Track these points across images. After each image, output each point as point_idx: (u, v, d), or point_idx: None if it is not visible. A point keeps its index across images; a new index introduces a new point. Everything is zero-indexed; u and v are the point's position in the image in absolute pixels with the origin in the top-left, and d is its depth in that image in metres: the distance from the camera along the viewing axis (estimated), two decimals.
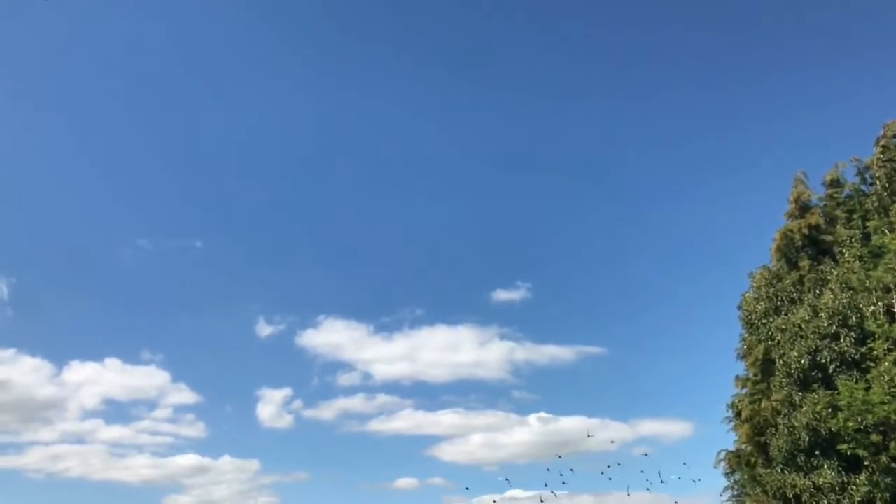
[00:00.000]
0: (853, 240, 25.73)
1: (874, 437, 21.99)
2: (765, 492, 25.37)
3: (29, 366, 51.94)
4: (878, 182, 26.17)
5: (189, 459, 50.66)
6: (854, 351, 23.63)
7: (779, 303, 26.90)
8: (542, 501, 28.09)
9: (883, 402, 21.30)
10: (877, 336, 22.81)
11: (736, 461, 27.98)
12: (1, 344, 52.18)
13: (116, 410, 56.21)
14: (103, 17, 61.95)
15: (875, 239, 24.71)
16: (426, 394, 60.58)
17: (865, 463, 22.39)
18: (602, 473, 28.91)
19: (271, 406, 53.53)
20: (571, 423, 51.33)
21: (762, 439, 25.99)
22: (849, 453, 22.53)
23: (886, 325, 22.67)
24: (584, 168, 66.72)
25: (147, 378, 52.98)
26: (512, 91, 69.78)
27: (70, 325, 61.31)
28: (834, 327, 24.08)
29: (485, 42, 67.36)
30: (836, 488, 22.84)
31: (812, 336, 24.41)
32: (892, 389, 21.43)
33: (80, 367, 53.23)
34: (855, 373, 23.28)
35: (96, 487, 51.28)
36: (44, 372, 51.97)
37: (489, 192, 67.07)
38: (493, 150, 69.59)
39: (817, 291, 25.65)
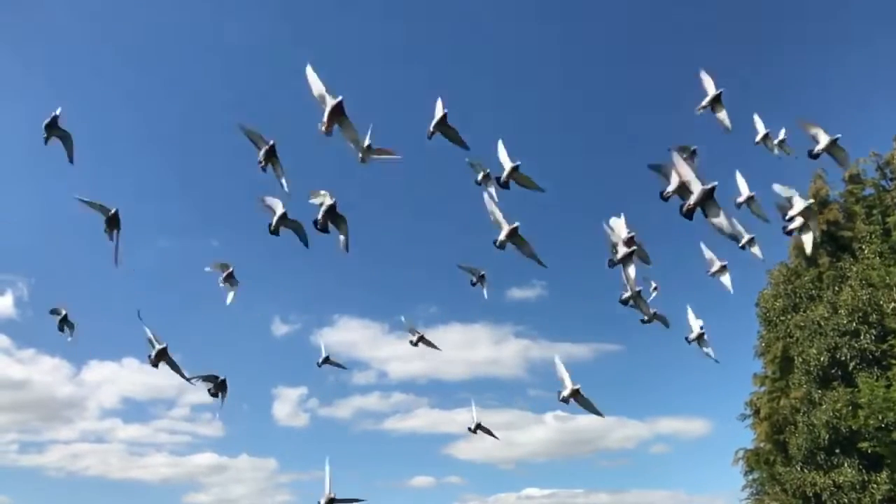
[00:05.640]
0: (873, 235, 25.46)
1: (895, 435, 21.79)
2: (784, 490, 25.21)
3: (49, 365, 52.46)
4: None
5: (207, 458, 50.96)
6: (874, 348, 23.41)
7: (797, 300, 26.68)
8: None
9: None
10: None
11: (755, 459, 27.83)
12: (21, 344, 52.71)
13: (135, 409, 56.58)
14: (118, 15, 62.37)
15: (895, 235, 24.45)
16: (442, 392, 60.52)
17: (887, 461, 22.18)
18: None
19: (287, 405, 53.74)
20: (588, 422, 51.18)
21: (781, 437, 25.81)
22: (869, 451, 22.32)
23: None
24: (597, 162, 66.27)
25: (165, 377, 53.28)
26: (524, 87, 69.56)
27: (88, 325, 61.81)
28: (854, 324, 23.86)
29: (495, 42, 67.21)
30: (857, 486, 22.66)
31: (831, 333, 24.19)
32: None
33: (98, 367, 53.65)
34: (875, 370, 23.06)
35: (116, 486, 51.74)
36: (63, 371, 52.47)
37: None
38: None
39: (836, 288, 25.41)
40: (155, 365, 11.24)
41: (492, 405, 55.17)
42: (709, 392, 52.20)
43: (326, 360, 15.43)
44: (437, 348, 14.78)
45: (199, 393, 52.18)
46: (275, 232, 10.47)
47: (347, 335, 54.63)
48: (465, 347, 54.34)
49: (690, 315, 12.22)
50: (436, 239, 65.77)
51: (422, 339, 14.94)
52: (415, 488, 51.01)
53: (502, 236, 10.69)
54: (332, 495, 13.22)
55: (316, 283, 66.00)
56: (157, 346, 11.03)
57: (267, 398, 57.93)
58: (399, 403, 52.73)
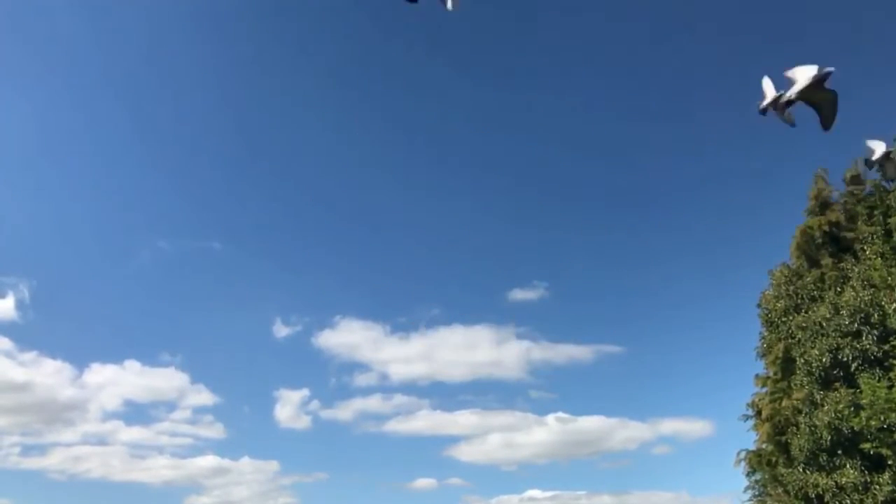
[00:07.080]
0: (874, 236, 25.47)
1: None
2: (786, 491, 25.20)
3: (51, 368, 52.60)
4: None
5: (209, 460, 51.01)
6: (876, 349, 23.35)
7: (799, 301, 26.69)
8: None
9: None
10: None
11: (757, 460, 27.84)
12: (23, 346, 52.89)
13: (136, 412, 56.83)
14: (124, 15, 62.44)
15: None
16: (443, 394, 60.51)
17: (889, 462, 22.13)
18: None
19: (289, 407, 53.81)
20: (590, 423, 51.20)
21: (783, 438, 25.81)
22: (872, 452, 22.29)
23: None
24: (600, 163, 66.18)
25: (166, 379, 53.40)
26: (528, 91, 69.56)
27: (90, 327, 62.00)
28: (855, 325, 23.83)
29: (502, 50, 67.16)
30: (859, 488, 22.61)
31: (833, 334, 24.17)
32: None
33: (100, 369, 53.75)
34: (877, 371, 23.02)
35: (118, 488, 51.86)
36: (65, 374, 52.61)
37: (505, 190, 66.71)
38: (507, 148, 69.27)
39: (838, 289, 25.42)
40: None
41: (493, 407, 55.28)
42: (710, 393, 52.33)
43: None
44: None
45: (201, 395, 52.17)
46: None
47: (349, 337, 54.72)
48: (467, 349, 54.43)
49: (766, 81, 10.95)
50: (438, 240, 65.84)
51: None
52: (417, 490, 51.11)
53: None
54: None
55: (317, 284, 66.11)
56: None
57: (269, 400, 58.14)
58: (400, 405, 52.78)
